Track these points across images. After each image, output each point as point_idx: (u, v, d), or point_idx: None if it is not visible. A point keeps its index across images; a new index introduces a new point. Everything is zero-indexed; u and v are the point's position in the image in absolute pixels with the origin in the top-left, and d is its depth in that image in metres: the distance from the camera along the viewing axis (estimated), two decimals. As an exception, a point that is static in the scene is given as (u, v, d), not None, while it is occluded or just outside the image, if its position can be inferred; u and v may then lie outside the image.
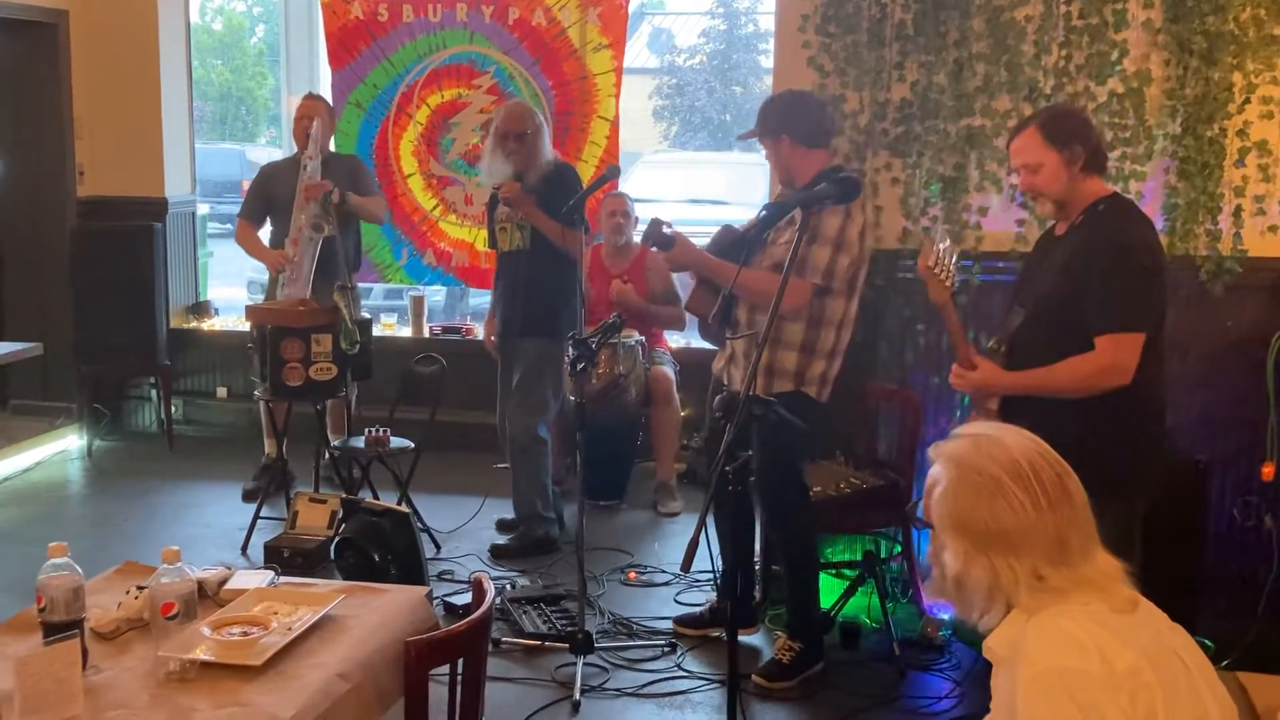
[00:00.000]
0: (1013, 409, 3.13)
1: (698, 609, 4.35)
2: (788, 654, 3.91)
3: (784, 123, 3.84)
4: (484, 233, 5.99)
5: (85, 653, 2.21)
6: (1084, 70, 4.51)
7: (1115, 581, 1.79)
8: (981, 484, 1.78)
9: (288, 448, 5.67)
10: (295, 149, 5.78)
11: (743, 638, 4.10)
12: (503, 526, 5.30)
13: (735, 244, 3.90)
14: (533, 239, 4.95)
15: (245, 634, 2.33)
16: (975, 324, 4.56)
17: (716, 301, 3.84)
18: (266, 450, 5.90)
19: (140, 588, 2.46)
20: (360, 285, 6.12)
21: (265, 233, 5.86)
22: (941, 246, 3.18)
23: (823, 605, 4.26)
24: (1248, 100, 4.37)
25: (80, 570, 2.25)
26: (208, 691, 2.16)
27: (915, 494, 4.36)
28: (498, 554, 5.00)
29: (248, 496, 5.63)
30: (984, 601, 1.81)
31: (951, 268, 3.17)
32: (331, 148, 5.90)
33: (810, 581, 4.00)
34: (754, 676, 3.87)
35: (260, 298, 7.11)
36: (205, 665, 2.24)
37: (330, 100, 6.23)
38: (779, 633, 4.07)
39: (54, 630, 2.18)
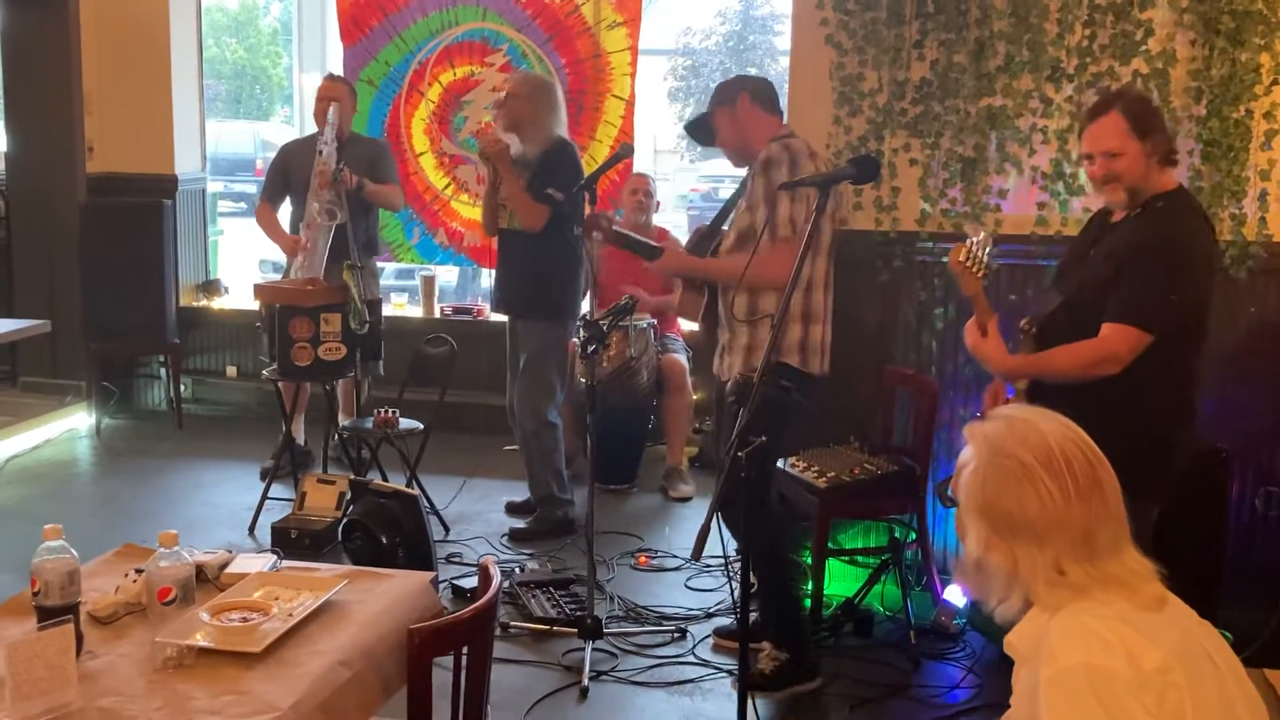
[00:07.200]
0: (1039, 395, 3.06)
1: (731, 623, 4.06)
2: (771, 663, 3.67)
3: (739, 84, 3.74)
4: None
5: (80, 638, 2.16)
6: (1108, 50, 4.42)
7: (1143, 580, 1.72)
8: (1011, 469, 1.72)
9: (306, 428, 5.61)
10: (313, 128, 5.71)
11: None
12: (512, 509, 5.25)
13: (708, 237, 3.81)
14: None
15: (245, 620, 2.27)
16: (993, 306, 4.48)
17: (703, 300, 3.76)
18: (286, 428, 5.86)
19: (138, 571, 2.41)
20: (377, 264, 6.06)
21: (285, 212, 5.80)
22: (975, 240, 3.11)
23: (843, 592, 4.22)
24: (1275, 82, 4.28)
25: (76, 553, 2.20)
26: (206, 679, 2.11)
27: (930, 480, 4.30)
28: (516, 537, 4.97)
29: (266, 475, 5.59)
30: (1002, 589, 1.76)
31: (984, 260, 3.10)
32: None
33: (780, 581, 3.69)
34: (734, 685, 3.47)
35: (275, 277, 7.06)
36: (203, 652, 2.18)
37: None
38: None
39: (49, 615, 2.13)
